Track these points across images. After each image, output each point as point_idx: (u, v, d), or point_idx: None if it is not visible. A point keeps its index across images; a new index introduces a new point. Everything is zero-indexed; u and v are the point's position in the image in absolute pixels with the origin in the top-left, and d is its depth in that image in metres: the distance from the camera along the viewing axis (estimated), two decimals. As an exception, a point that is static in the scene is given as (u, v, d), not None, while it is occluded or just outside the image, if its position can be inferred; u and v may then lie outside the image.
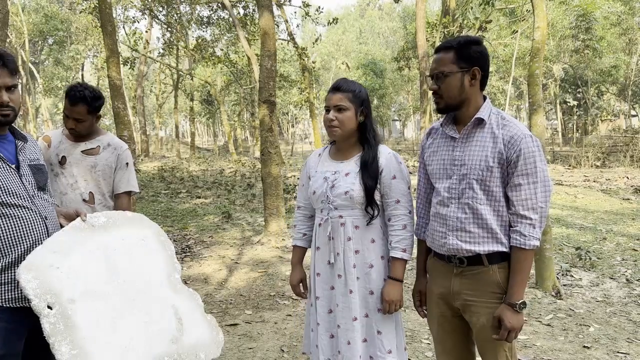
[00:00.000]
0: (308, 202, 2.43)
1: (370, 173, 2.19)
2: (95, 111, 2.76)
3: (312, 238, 2.39)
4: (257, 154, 21.39)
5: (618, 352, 3.52)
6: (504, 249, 1.94)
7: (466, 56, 1.93)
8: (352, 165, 2.25)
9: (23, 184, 1.89)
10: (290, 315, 4.36)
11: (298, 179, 14.64)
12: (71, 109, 2.68)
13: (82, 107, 2.68)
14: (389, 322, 2.22)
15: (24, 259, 1.74)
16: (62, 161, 2.78)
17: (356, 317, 2.19)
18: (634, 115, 35.23)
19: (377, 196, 2.21)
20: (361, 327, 2.20)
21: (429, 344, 3.68)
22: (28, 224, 1.84)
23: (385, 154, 2.24)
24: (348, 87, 2.22)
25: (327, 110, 2.22)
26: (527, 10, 16.76)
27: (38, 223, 1.88)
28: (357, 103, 2.21)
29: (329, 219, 2.24)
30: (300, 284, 2.47)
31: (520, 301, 1.88)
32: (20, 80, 1.91)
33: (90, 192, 2.83)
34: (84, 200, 2.81)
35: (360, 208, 2.21)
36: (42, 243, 1.80)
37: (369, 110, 2.27)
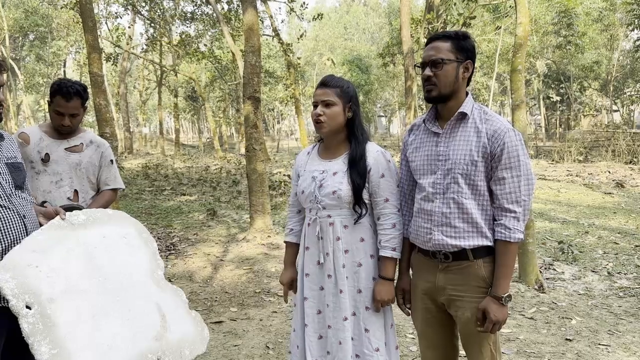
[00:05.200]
0: (296, 198, 2.41)
1: (358, 171, 2.17)
2: (85, 103, 2.80)
3: (301, 237, 2.37)
4: (243, 150, 21.30)
5: (599, 344, 3.57)
6: (489, 243, 1.95)
7: (462, 48, 1.95)
8: (340, 164, 2.23)
9: (0, 182, 1.85)
10: (275, 312, 4.36)
11: (284, 175, 14.66)
12: (67, 105, 2.68)
13: (77, 102, 2.71)
14: (377, 320, 2.20)
15: (1, 259, 1.70)
16: (46, 158, 2.74)
17: (346, 316, 2.17)
18: (615, 111, 35.72)
19: (365, 195, 2.19)
20: (351, 326, 2.19)
21: (413, 338, 3.70)
22: (6, 223, 1.81)
23: (373, 152, 2.22)
24: (336, 82, 2.21)
25: (315, 105, 2.21)
26: (510, 6, 16.89)
27: (16, 222, 1.84)
28: (345, 99, 2.20)
29: (318, 218, 2.23)
30: (292, 283, 2.43)
31: (505, 294, 1.90)
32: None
33: (75, 189, 2.80)
34: (68, 198, 2.78)
35: (349, 207, 2.19)
36: (20, 242, 1.77)
37: (357, 107, 2.25)
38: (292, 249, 2.47)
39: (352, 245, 2.20)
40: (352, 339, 2.19)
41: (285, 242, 2.50)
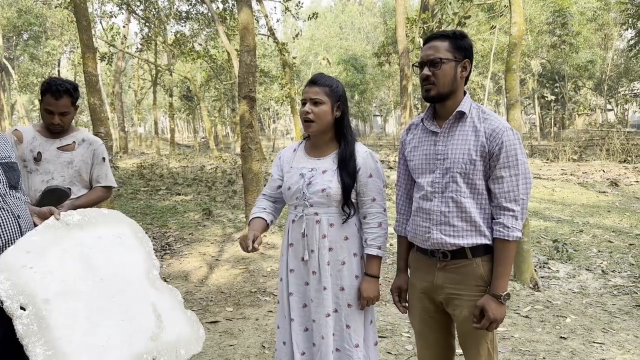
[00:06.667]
0: (274, 192, 2.39)
1: (348, 171, 2.19)
2: (76, 102, 2.80)
3: (285, 233, 2.38)
4: (238, 150, 21.27)
5: (594, 342, 3.59)
6: (487, 242, 1.96)
7: (460, 47, 1.95)
8: (329, 162, 2.24)
9: (-7, 182, 1.84)
10: (271, 311, 4.35)
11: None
12: (57, 103, 2.69)
13: (67, 100, 2.72)
14: (357, 317, 2.24)
15: (-4, 259, 1.69)
16: (38, 157, 2.74)
17: (329, 313, 2.21)
18: (609, 110, 35.89)
19: (352, 194, 2.21)
20: (332, 322, 2.22)
21: (409, 337, 3.70)
22: (0, 223, 1.80)
23: (361, 152, 2.24)
24: (325, 81, 2.22)
25: (304, 103, 2.22)
26: (505, 5, 16.93)
27: (10, 222, 1.83)
28: (334, 98, 2.20)
29: (304, 215, 2.23)
30: (252, 239, 2.12)
31: (504, 293, 1.91)
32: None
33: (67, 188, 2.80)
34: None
35: (337, 206, 2.21)
36: (14, 243, 1.76)
37: (346, 107, 2.26)
38: (260, 222, 2.30)
39: (336, 243, 2.22)
40: (333, 334, 2.22)
41: (253, 218, 2.32)
